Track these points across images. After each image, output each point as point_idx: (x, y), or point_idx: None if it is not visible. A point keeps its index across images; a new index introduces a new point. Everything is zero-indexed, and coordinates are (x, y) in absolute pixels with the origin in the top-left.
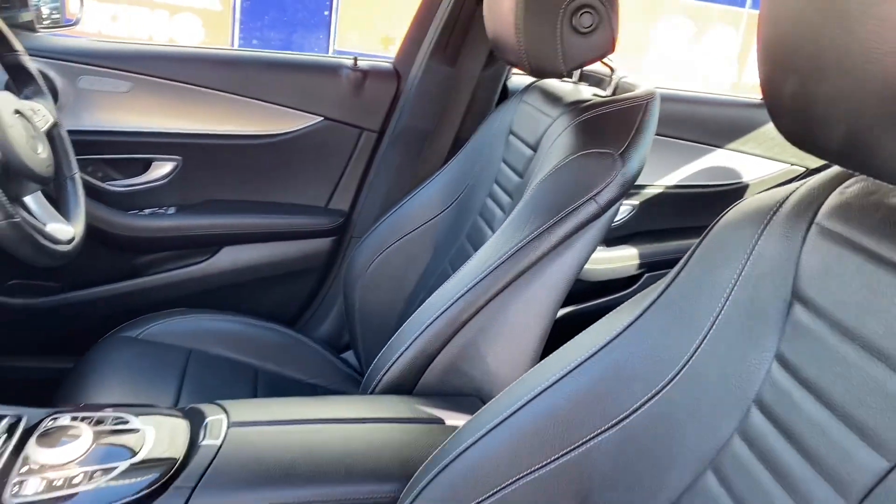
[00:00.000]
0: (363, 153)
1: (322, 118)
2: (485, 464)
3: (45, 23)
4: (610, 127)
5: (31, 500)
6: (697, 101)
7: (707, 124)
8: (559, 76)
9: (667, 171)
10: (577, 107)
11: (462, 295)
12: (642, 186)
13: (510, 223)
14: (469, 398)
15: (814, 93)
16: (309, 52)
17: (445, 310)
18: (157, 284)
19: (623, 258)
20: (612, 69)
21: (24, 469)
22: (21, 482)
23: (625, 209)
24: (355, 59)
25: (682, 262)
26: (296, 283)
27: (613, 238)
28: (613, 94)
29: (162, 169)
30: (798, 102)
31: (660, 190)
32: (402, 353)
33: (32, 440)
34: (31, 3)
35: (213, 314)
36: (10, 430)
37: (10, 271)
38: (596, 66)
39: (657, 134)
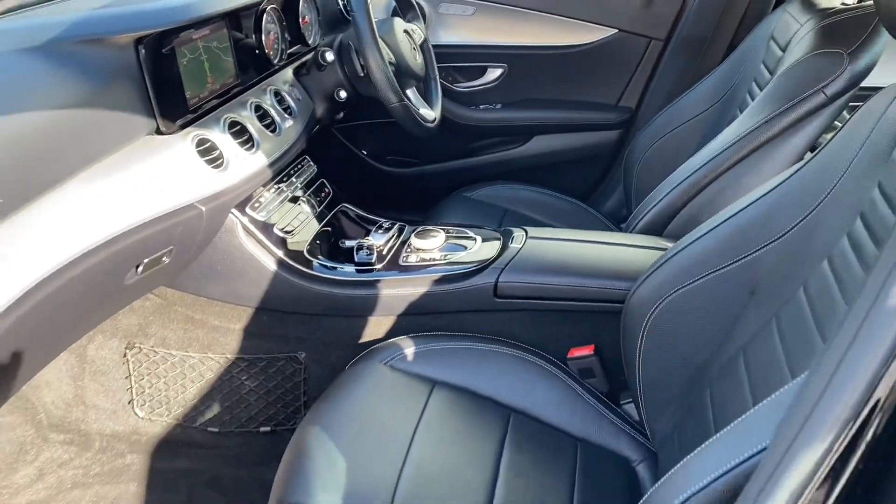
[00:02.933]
0: (650, 59)
1: (617, 30)
2: (692, 259)
3: None
4: (845, 30)
5: (413, 264)
6: None
7: None
8: None
9: None
10: (823, 14)
11: (705, 164)
12: None
13: (749, 110)
14: None
15: None
16: None
17: (691, 174)
18: (485, 162)
19: None
20: None
21: (408, 249)
22: (406, 256)
23: None
24: None
25: (833, 133)
26: (588, 165)
27: None
28: (860, 1)
29: (493, 74)
30: None
31: None
32: (655, 205)
33: (412, 235)
34: None
35: (524, 186)
36: (400, 231)
37: (388, 149)
38: None
39: None
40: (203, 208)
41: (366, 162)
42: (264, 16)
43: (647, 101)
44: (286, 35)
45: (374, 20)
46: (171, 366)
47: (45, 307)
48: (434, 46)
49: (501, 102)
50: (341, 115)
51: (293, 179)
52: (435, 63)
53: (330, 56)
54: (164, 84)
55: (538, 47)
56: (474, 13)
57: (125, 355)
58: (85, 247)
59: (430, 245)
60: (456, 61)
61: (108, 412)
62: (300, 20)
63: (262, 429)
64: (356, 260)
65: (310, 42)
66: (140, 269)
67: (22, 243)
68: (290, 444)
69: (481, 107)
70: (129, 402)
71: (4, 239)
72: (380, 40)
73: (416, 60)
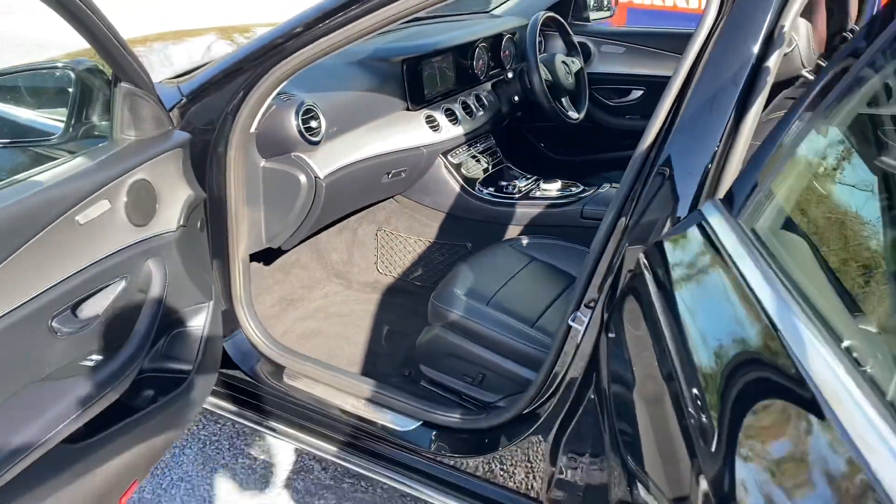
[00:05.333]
0: None
1: None
2: None
3: (592, 16)
4: None
5: (537, 196)
6: None
7: None
8: None
9: None
10: None
11: None
12: None
13: None
14: None
15: None
16: None
17: None
18: (626, 156)
19: None
20: None
21: (536, 189)
22: (535, 192)
23: None
24: None
25: None
26: None
27: None
28: None
29: (636, 94)
30: None
31: None
32: None
33: (541, 182)
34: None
35: None
36: (536, 181)
37: (559, 144)
38: None
39: None
40: (424, 151)
41: (542, 151)
42: (477, 49)
43: None
44: (490, 62)
45: (538, 55)
46: (399, 243)
47: (347, 178)
48: (594, 73)
49: (640, 114)
50: (519, 114)
51: (478, 145)
52: (586, 83)
53: (510, 75)
54: (413, 85)
55: (669, 77)
56: (625, 52)
57: (376, 235)
58: (366, 155)
59: (551, 188)
60: (610, 84)
61: (363, 268)
62: (501, 52)
63: None
64: (504, 192)
65: (505, 67)
66: (389, 175)
67: (341, 148)
68: (449, 273)
69: (626, 117)
70: (374, 263)
71: (335, 146)
72: (542, 66)
73: (567, 80)
